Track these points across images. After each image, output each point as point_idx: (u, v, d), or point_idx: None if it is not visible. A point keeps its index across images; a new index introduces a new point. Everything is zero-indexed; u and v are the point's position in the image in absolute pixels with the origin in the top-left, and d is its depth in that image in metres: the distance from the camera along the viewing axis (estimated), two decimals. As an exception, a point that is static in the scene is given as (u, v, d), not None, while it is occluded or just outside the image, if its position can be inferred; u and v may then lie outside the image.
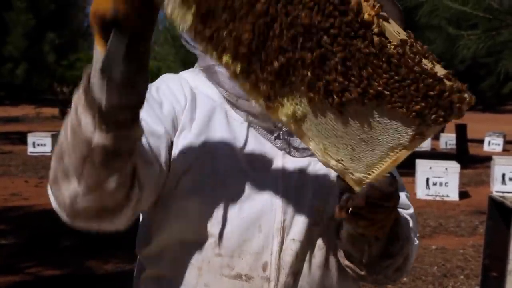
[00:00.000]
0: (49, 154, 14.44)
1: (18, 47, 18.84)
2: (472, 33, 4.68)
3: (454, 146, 16.47)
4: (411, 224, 1.39)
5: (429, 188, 10.15)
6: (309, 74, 1.01)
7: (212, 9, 1.00)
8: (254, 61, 1.02)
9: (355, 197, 1.08)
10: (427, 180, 10.17)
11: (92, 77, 1.04)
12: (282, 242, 1.27)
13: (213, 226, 1.26)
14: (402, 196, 1.38)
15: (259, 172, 1.29)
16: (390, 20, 1.00)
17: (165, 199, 1.28)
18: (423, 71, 0.98)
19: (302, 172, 1.31)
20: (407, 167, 7.68)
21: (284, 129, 1.32)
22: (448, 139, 18.14)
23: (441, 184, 10.13)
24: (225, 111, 1.33)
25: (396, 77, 0.99)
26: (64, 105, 27.68)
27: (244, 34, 1.00)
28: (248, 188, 1.27)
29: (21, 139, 16.77)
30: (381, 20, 0.97)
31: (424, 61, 0.99)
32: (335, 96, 1.02)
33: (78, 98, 1.07)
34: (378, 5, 0.97)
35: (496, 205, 4.38)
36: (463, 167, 10.68)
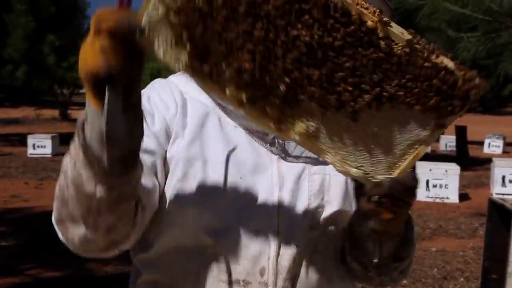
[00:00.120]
0: (49, 155, 14.46)
1: (18, 49, 18.84)
2: (472, 35, 4.68)
3: (454, 148, 16.46)
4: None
5: (429, 190, 10.14)
6: (318, 90, 1.00)
7: (207, 44, 0.97)
8: (258, 87, 0.99)
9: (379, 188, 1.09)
10: (427, 182, 10.16)
11: (89, 134, 1.03)
12: (279, 247, 1.27)
13: (210, 232, 1.25)
14: None
15: (254, 177, 1.28)
16: (392, 23, 1.00)
17: (162, 206, 1.28)
18: (433, 66, 0.98)
19: (297, 176, 1.30)
20: (407, 169, 7.65)
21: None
22: (448, 141, 18.14)
23: (441, 186, 10.12)
24: (218, 116, 1.32)
25: (407, 76, 0.99)
26: (64, 106, 27.71)
27: (245, 64, 0.97)
28: (243, 194, 1.26)
29: (21, 140, 16.76)
30: (384, 24, 0.97)
31: (432, 56, 0.99)
32: (348, 106, 1.01)
33: (75, 153, 1.06)
34: (377, 10, 0.97)
35: (496, 207, 4.37)
36: (463, 169, 10.67)
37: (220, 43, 0.96)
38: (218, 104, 1.32)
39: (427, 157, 12.55)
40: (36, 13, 19.24)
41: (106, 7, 1.00)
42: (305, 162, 1.31)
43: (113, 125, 0.99)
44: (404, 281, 5.63)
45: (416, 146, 1.05)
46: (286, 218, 1.28)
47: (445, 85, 0.99)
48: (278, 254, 1.27)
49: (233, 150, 1.29)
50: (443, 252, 6.82)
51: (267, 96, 1.00)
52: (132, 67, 0.98)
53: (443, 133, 19.72)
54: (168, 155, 1.28)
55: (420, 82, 0.99)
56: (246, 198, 1.26)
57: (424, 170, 10.19)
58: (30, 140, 14.87)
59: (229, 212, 1.25)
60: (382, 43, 0.97)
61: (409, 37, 0.98)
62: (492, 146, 17.82)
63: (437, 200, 10.04)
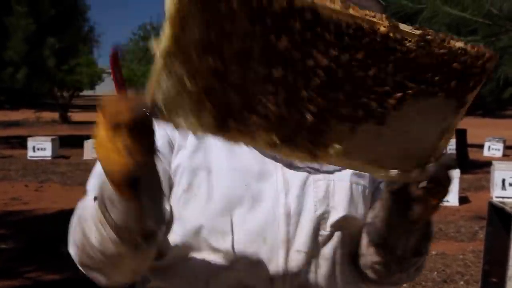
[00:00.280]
0: (49, 158, 14.45)
1: (18, 51, 18.85)
2: (471, 39, 4.69)
3: (454, 151, 16.46)
4: None
5: (429, 193, 10.14)
6: (345, 109, 0.98)
7: (227, 100, 0.93)
8: (287, 125, 0.97)
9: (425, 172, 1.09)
10: (427, 185, 10.14)
11: (119, 217, 1.03)
12: (287, 254, 1.27)
13: (218, 241, 1.26)
14: None
15: (260, 184, 1.28)
16: (399, 23, 1.00)
17: (172, 217, 1.29)
18: (449, 51, 0.99)
19: (302, 182, 1.30)
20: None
21: None
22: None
23: (441, 189, 10.11)
24: None
25: (427, 68, 0.99)
26: (64, 109, 27.72)
27: (269, 107, 0.95)
28: (250, 201, 1.26)
29: (21, 143, 16.75)
30: (395, 26, 0.98)
31: (445, 42, 1.00)
32: (375, 114, 1.00)
33: (100, 226, 1.07)
34: (384, 15, 0.97)
35: (496, 210, 4.38)
36: (463, 172, 10.67)
37: (239, 94, 0.93)
38: None
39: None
40: (36, 15, 19.25)
41: (110, 96, 0.97)
42: (308, 172, 1.31)
43: (148, 214, 1.02)
44: (404, 284, 5.63)
45: (444, 130, 1.07)
46: (293, 224, 1.28)
47: (463, 65, 1.01)
48: (286, 261, 1.27)
49: (236, 157, 1.28)
50: (443, 255, 6.82)
51: (297, 130, 0.98)
52: (152, 155, 0.98)
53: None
54: (172, 166, 1.28)
55: (440, 70, 1.00)
56: (253, 206, 1.26)
57: (424, 173, 10.16)
58: (30, 142, 14.87)
59: (236, 220, 1.26)
60: (398, 44, 0.97)
61: (420, 31, 0.99)
62: (492, 149, 17.81)
63: (437, 203, 10.01)
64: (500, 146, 17.89)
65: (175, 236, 1.28)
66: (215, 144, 1.28)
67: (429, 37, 0.98)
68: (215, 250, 1.26)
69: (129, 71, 29.48)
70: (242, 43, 0.90)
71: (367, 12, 0.96)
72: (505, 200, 6.11)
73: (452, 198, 10.05)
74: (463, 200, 10.22)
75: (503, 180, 10.50)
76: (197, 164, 1.27)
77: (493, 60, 1.02)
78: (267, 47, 0.91)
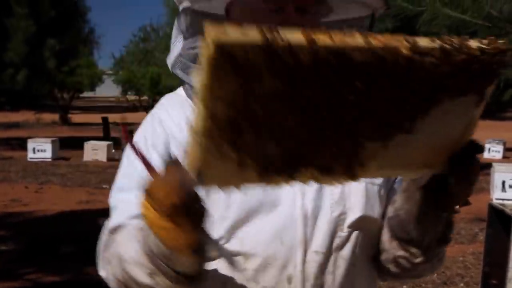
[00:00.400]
0: (49, 160, 14.45)
1: (18, 53, 18.88)
2: (472, 41, 4.70)
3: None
4: None
5: (429, 195, 10.14)
6: (378, 133, 1.01)
7: (266, 152, 0.95)
8: (324, 157, 1.00)
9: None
10: (427, 187, 10.15)
11: (181, 273, 1.06)
12: (305, 255, 1.28)
13: (236, 242, 1.27)
14: None
15: (277, 189, 1.29)
16: (417, 38, 1.01)
17: None
18: (467, 54, 1.00)
19: (318, 185, 1.30)
20: (407, 174, 7.66)
21: None
22: (448, 146, 18.07)
23: (441, 191, 10.11)
24: None
25: (449, 75, 1.01)
26: (64, 111, 27.74)
27: (307, 149, 0.98)
28: (267, 204, 1.28)
29: (21, 144, 16.76)
30: (415, 46, 0.98)
31: (463, 46, 1.01)
32: (404, 128, 1.03)
33: (155, 275, 1.09)
34: (402, 37, 0.98)
35: (496, 212, 4.38)
36: (463, 174, 10.66)
37: (280, 146, 0.95)
38: None
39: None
40: (37, 17, 19.28)
41: (152, 180, 0.99)
42: None
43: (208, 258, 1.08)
44: (404, 286, 5.63)
45: (468, 123, 1.10)
46: (311, 225, 1.29)
47: (483, 64, 1.02)
48: (304, 262, 1.28)
49: None
50: (443, 257, 6.82)
51: (335, 159, 1.00)
52: (207, 215, 1.03)
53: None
54: None
55: (461, 74, 1.02)
56: (270, 208, 1.28)
57: (424, 175, 10.17)
58: (30, 144, 14.88)
59: (253, 223, 1.27)
60: (420, 63, 0.98)
61: (438, 43, 1.00)
62: (492, 151, 17.80)
63: (437, 205, 10.01)
64: (500, 148, 17.89)
65: None
66: None
67: (447, 47, 0.99)
68: (233, 253, 1.27)
69: (129, 72, 29.47)
70: (276, 102, 0.91)
71: (387, 37, 0.96)
72: (505, 202, 6.11)
73: (452, 200, 10.04)
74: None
75: (503, 182, 10.49)
76: None
77: (509, 51, 1.04)
78: (302, 97, 0.93)
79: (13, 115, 27.51)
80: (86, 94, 34.17)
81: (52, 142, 14.97)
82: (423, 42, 0.99)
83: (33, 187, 10.79)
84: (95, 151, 14.85)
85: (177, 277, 1.07)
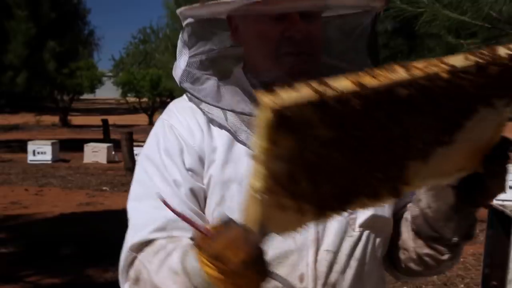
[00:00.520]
0: (49, 162, 14.45)
1: (18, 55, 18.89)
2: (471, 42, 4.69)
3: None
4: None
5: (429, 197, 10.12)
6: (420, 151, 1.05)
7: (322, 196, 1.00)
8: (370, 185, 1.04)
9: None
10: (427, 188, 10.13)
11: None
12: (316, 253, 1.30)
13: None
14: None
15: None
16: (452, 58, 1.03)
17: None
18: (500, 64, 1.03)
19: None
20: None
21: None
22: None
23: (441, 192, 10.10)
24: (246, 134, 1.33)
25: (485, 87, 1.04)
26: (65, 113, 27.73)
27: (358, 184, 1.02)
28: None
29: (21, 147, 16.75)
30: (453, 68, 1.00)
31: (495, 56, 1.03)
32: (443, 142, 1.07)
33: None
34: (438, 60, 1.00)
35: (496, 214, 4.38)
36: (463, 175, 10.66)
37: (331, 184, 0.98)
38: (244, 121, 1.33)
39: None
40: (37, 19, 19.29)
41: (216, 242, 1.01)
42: None
43: None
44: (404, 287, 5.63)
45: (499, 123, 1.14)
46: (322, 225, 1.30)
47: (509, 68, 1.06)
48: (315, 260, 1.30)
49: None
50: (443, 258, 6.81)
51: (381, 185, 1.04)
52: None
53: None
54: (204, 181, 1.31)
55: (495, 83, 1.05)
56: None
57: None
58: (30, 146, 14.87)
59: None
60: (459, 83, 1.01)
61: (472, 59, 1.02)
62: (492, 152, 17.80)
63: (437, 207, 10.00)
64: (500, 149, 17.89)
65: None
66: (245, 155, 1.30)
67: (482, 62, 1.02)
68: None
69: (129, 74, 29.47)
70: (329, 148, 0.95)
71: (424, 64, 0.99)
72: (505, 203, 6.11)
73: (452, 201, 10.03)
74: (463, 203, 10.22)
75: (503, 183, 10.47)
76: (229, 177, 1.30)
77: None
78: (353, 139, 0.96)
79: (13, 117, 27.50)
80: (86, 96, 34.17)
81: (52, 144, 14.97)
82: (458, 61, 1.02)
83: (33, 190, 10.78)
84: (95, 153, 14.85)
85: None
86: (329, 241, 1.31)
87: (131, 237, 1.30)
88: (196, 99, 1.35)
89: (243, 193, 1.26)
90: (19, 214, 8.74)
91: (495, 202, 8.26)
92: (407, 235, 1.38)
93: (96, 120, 24.56)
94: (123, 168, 12.45)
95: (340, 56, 1.45)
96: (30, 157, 14.75)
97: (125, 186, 10.88)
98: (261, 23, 1.30)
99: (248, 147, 1.31)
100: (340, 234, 1.32)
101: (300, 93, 0.88)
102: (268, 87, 0.88)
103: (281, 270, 1.28)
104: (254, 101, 1.34)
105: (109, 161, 14.62)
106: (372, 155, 0.98)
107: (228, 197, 1.28)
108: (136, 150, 12.31)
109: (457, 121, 1.06)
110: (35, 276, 5.92)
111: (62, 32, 20.41)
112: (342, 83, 0.91)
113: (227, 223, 1.01)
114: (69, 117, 28.13)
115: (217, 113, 1.34)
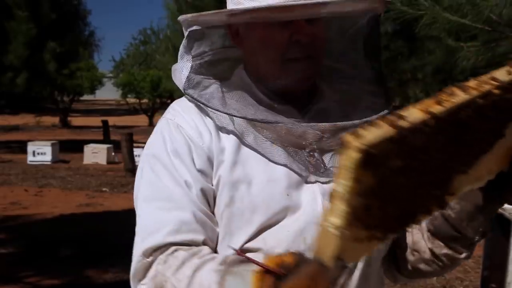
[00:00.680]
0: (49, 163, 14.45)
1: (19, 56, 18.89)
2: (471, 45, 4.70)
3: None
4: None
5: (428, 199, 10.13)
6: (465, 164, 1.09)
7: (389, 223, 1.03)
8: (420, 204, 1.07)
9: None
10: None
11: None
12: None
13: (258, 243, 1.28)
14: None
15: (299, 192, 1.31)
16: (495, 73, 1.08)
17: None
18: None
19: None
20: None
21: (315, 147, 1.33)
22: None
23: (440, 195, 10.11)
24: (253, 135, 1.33)
25: None
26: (65, 113, 27.74)
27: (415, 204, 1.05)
28: (289, 206, 1.29)
29: (21, 148, 16.76)
30: (497, 81, 1.05)
31: None
32: (486, 151, 1.11)
33: None
34: (486, 78, 1.05)
35: (495, 216, 4.37)
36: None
37: (397, 209, 1.01)
38: (250, 122, 1.33)
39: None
40: (37, 20, 19.30)
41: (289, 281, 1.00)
42: None
43: None
44: (404, 290, 5.62)
45: None
46: None
47: None
48: None
49: (274, 169, 1.31)
50: (442, 261, 6.81)
51: (432, 202, 1.07)
52: None
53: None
54: (214, 181, 1.30)
55: None
56: (293, 210, 1.30)
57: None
58: (30, 147, 14.87)
59: (276, 225, 1.29)
60: (508, 95, 1.06)
61: None
62: (492, 155, 17.81)
63: (437, 209, 10.01)
64: (500, 151, 17.90)
65: (221, 250, 1.30)
66: (252, 157, 1.31)
67: None
68: (255, 251, 1.28)
69: (129, 75, 29.49)
70: (400, 177, 0.97)
71: (475, 82, 1.04)
72: (505, 206, 6.11)
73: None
74: (463, 205, 10.22)
75: (503, 186, 10.48)
76: (237, 178, 1.29)
77: None
78: (420, 164, 0.99)
79: (13, 118, 27.51)
80: (86, 97, 34.18)
81: (52, 145, 14.97)
82: (503, 76, 1.07)
83: (33, 190, 10.79)
84: (95, 154, 14.85)
85: None
86: None
87: (143, 241, 1.27)
88: (203, 105, 1.35)
89: (251, 195, 1.28)
90: (18, 215, 8.74)
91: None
92: (419, 236, 1.39)
93: (96, 121, 24.58)
94: (123, 169, 12.46)
95: (340, 57, 1.46)
96: (30, 158, 14.75)
97: (125, 187, 10.89)
98: (268, 28, 1.30)
99: (255, 150, 1.31)
100: None
101: (381, 129, 0.92)
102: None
103: None
104: (266, 106, 1.35)
105: (109, 162, 14.62)
106: (432, 175, 1.02)
107: (237, 198, 1.28)
108: (136, 151, 12.33)
109: (500, 131, 1.10)
110: (35, 277, 5.92)
111: (62, 33, 20.41)
112: (414, 114, 0.96)
113: (303, 259, 1.01)
114: (69, 118, 28.13)
115: (223, 118, 1.33)
